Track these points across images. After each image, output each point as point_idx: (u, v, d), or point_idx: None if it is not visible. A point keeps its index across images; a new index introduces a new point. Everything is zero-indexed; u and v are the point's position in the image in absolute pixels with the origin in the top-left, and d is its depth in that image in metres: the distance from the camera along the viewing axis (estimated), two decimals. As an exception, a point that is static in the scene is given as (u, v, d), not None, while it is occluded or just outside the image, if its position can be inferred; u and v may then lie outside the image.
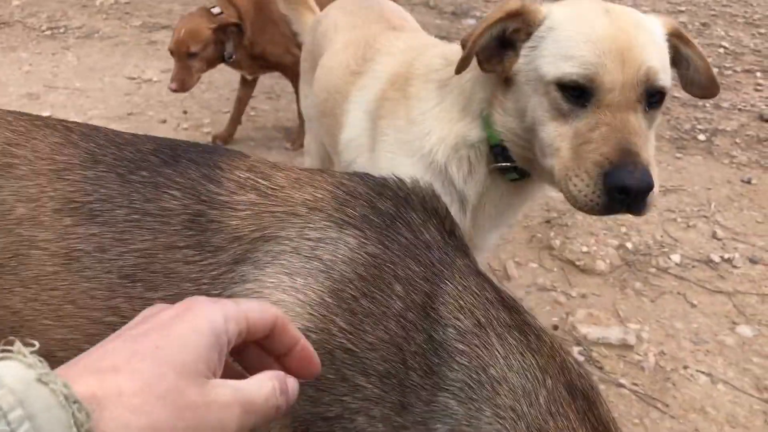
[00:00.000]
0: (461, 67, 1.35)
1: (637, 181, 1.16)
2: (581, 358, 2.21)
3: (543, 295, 2.54)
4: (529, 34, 1.32)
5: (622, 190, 1.18)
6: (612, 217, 3.05)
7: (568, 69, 1.23)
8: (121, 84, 4.27)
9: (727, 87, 4.67)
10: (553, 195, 3.26)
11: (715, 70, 1.40)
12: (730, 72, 4.93)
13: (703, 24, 6.21)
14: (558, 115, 1.26)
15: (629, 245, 2.84)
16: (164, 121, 3.85)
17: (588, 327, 2.34)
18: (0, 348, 0.49)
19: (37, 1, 5.59)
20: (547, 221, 3.02)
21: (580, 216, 3.01)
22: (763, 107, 4.40)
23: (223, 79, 4.38)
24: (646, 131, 1.25)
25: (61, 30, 5.12)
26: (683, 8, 6.77)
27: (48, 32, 5.06)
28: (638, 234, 2.92)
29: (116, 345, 0.53)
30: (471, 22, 6.04)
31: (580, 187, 1.22)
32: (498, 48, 1.36)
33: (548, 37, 1.29)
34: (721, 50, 5.43)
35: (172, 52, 3.14)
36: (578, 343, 2.28)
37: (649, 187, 1.17)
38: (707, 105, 4.37)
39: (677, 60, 1.40)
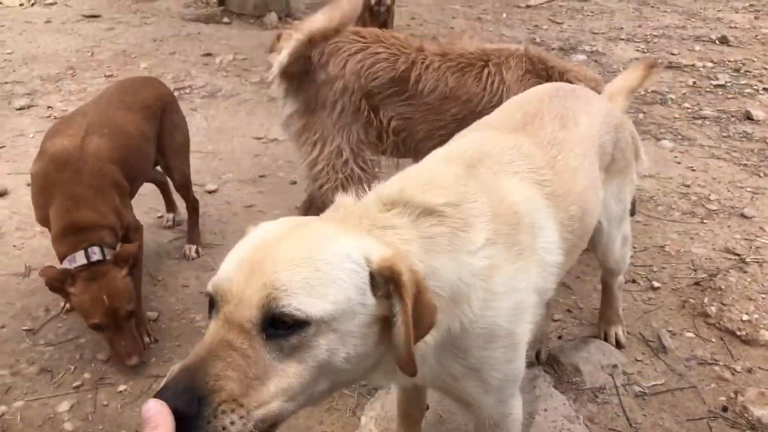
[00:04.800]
0: None
1: (163, 398, 0.94)
2: (758, 445, 2.10)
3: (705, 369, 2.44)
4: None
5: None
6: (768, 278, 2.90)
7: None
8: (250, 145, 4.47)
9: None
10: (698, 252, 3.14)
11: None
12: None
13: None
14: None
15: (792, 311, 2.68)
16: (294, 183, 3.99)
17: (762, 409, 2.22)
18: None
19: (162, 63, 5.95)
20: (697, 283, 2.91)
21: (733, 278, 2.88)
22: None
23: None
24: (259, 360, 1.01)
25: (187, 90, 5.42)
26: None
27: (175, 93, 5.36)
28: (801, 298, 2.76)
29: None
30: (580, 57, 5.94)
31: None
32: None
33: None
34: None
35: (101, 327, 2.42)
36: (753, 428, 2.18)
37: (175, 408, 0.92)
38: None
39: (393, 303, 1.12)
